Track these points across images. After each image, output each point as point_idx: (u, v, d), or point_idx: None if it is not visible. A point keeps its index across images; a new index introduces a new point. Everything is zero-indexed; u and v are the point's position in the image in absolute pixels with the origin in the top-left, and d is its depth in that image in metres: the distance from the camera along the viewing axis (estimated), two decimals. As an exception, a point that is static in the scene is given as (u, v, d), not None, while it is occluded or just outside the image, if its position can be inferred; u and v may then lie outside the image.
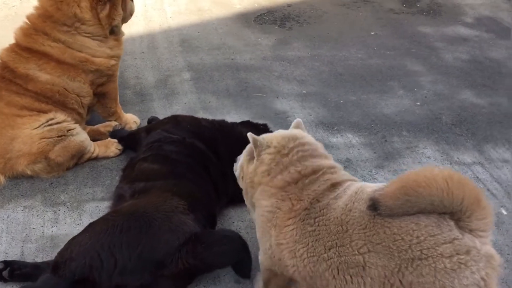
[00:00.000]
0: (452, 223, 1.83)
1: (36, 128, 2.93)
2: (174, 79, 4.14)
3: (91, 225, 2.39)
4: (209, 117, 3.63)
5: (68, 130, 3.01)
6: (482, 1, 5.99)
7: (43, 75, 2.98)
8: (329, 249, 1.95)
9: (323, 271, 1.97)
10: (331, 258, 1.94)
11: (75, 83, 3.10)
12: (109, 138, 3.31)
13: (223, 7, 5.42)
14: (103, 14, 3.05)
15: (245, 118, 3.67)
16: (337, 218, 1.97)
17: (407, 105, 4.01)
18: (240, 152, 2.91)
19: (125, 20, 3.26)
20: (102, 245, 2.25)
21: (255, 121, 3.55)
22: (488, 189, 3.21)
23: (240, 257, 2.43)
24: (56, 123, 2.99)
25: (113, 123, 3.40)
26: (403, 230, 1.83)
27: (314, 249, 1.99)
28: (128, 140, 3.23)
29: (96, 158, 3.23)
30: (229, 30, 4.96)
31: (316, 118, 3.78)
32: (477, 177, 3.31)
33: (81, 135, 3.09)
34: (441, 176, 1.79)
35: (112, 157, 3.26)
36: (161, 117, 3.53)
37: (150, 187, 2.53)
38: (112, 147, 3.26)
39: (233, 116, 3.71)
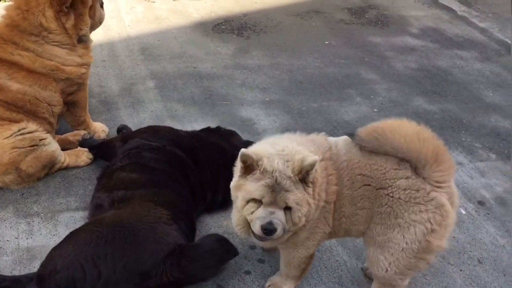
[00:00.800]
0: (408, 165, 2.11)
1: (8, 137, 2.83)
2: (138, 87, 4.08)
3: (73, 235, 2.33)
4: (177, 125, 3.62)
5: (40, 140, 2.92)
6: (425, 13, 6.22)
7: (14, 84, 2.88)
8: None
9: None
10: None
11: (46, 92, 3.01)
12: (79, 147, 3.23)
13: (180, 16, 5.39)
14: (69, 23, 2.96)
15: (212, 126, 3.67)
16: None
17: (365, 111, 4.12)
18: (217, 161, 2.92)
19: (93, 28, 3.18)
20: (86, 257, 2.19)
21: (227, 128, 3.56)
22: (447, 191, 3.33)
23: (225, 264, 2.42)
24: (28, 133, 2.90)
25: (82, 132, 3.32)
26: (377, 162, 2.13)
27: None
28: (99, 149, 3.16)
29: (67, 168, 3.14)
30: (188, 39, 4.94)
31: (281, 125, 3.82)
32: (436, 179, 3.43)
33: (52, 145, 3.00)
34: (407, 128, 2.12)
35: (83, 166, 3.19)
36: (129, 125, 3.49)
37: (130, 196, 2.48)
38: (83, 156, 3.18)
39: (200, 124, 3.69)
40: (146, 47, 4.69)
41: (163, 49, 4.70)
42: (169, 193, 2.58)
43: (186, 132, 3.12)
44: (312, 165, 1.98)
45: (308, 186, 2.03)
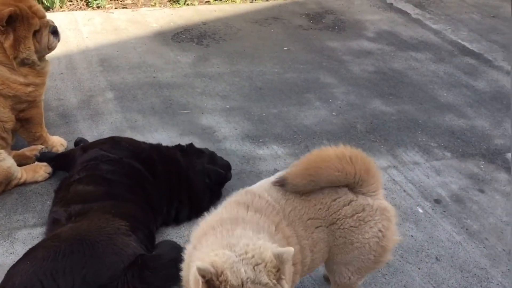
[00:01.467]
0: (345, 189, 2.10)
1: (-42, 154, 2.73)
2: (97, 99, 4.01)
3: (30, 252, 2.27)
4: (137, 136, 3.57)
5: None
6: (381, 17, 6.30)
7: (-42, 101, 2.78)
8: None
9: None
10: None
11: None
12: (36, 162, 3.15)
13: (139, 26, 5.33)
14: (7, 43, 2.82)
15: (173, 135, 3.65)
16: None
17: (324, 115, 4.14)
18: (175, 172, 2.88)
19: (40, 53, 3.01)
20: (44, 272, 2.14)
21: (183, 137, 3.53)
22: (404, 190, 3.38)
23: None
24: None
25: (39, 147, 3.23)
26: (317, 201, 2.07)
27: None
28: (58, 160, 3.08)
29: (24, 184, 3.05)
30: (148, 49, 4.89)
31: (242, 131, 3.81)
32: (394, 180, 3.47)
33: (7, 161, 2.91)
34: (335, 156, 2.05)
35: (41, 181, 3.11)
36: (87, 138, 3.43)
37: (87, 209, 2.43)
38: (41, 171, 3.10)
39: (161, 134, 3.65)
40: (105, 58, 4.62)
41: (122, 60, 4.63)
42: (127, 204, 2.53)
43: (147, 144, 3.07)
44: (288, 259, 1.64)
45: (282, 279, 1.65)
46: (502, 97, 4.74)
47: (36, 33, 2.92)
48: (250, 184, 3.18)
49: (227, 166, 3.10)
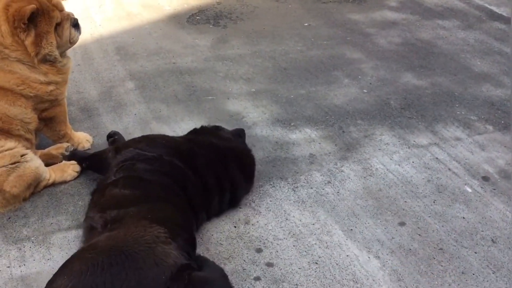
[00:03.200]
0: None
1: (-15, 158, 2.63)
2: (118, 90, 3.89)
3: (67, 264, 2.15)
4: (163, 126, 3.46)
5: (21, 156, 2.73)
6: (401, -15, 6.08)
7: (-20, 104, 2.67)
8: None
9: None
10: None
11: (16, 108, 2.78)
12: (64, 161, 3.04)
13: (152, 10, 5.17)
14: (28, 41, 2.69)
15: (199, 124, 3.50)
16: None
17: (355, 93, 3.99)
18: (217, 162, 2.78)
19: (62, 48, 2.89)
20: (84, 287, 2.03)
21: (209, 123, 3.41)
22: (449, 169, 3.24)
23: None
24: (7, 150, 2.70)
25: (65, 145, 3.13)
26: None
27: None
28: (91, 161, 2.97)
29: (53, 184, 2.96)
30: (163, 34, 4.74)
31: (271, 116, 3.68)
32: (437, 158, 3.34)
33: (35, 161, 2.81)
34: None
35: (70, 180, 3.00)
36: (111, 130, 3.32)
37: (123, 215, 2.31)
38: (69, 170, 3.00)
39: (187, 123, 3.53)
40: (121, 46, 4.48)
41: (138, 47, 4.50)
42: (166, 207, 2.41)
43: (181, 137, 2.96)
44: None
45: None
46: (539, 63, 4.55)
47: (57, 26, 2.79)
48: (286, 172, 3.09)
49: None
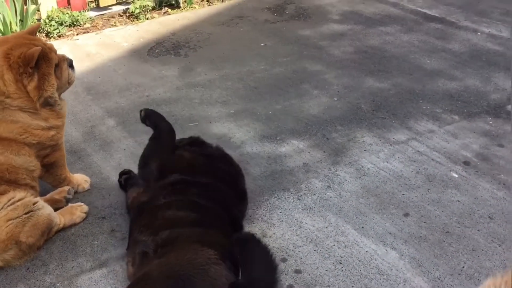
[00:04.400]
0: None
1: (-1, 211, 2.53)
2: (100, 128, 3.83)
3: (122, 299, 2.12)
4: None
5: (33, 204, 2.64)
6: (338, -1, 6.35)
7: (-13, 157, 2.58)
8: None
9: None
10: None
11: (21, 157, 2.71)
12: (70, 204, 2.97)
13: (110, 48, 5.13)
14: (31, 86, 2.62)
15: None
16: None
17: (327, 102, 4.12)
18: (233, 173, 2.82)
19: (61, 89, 2.85)
20: None
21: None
22: (432, 159, 3.41)
23: None
24: (19, 200, 2.61)
25: (66, 188, 3.05)
26: None
27: None
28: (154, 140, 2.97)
29: (63, 228, 2.87)
30: (129, 69, 4.71)
31: (256, 133, 3.74)
32: (418, 151, 3.50)
33: (46, 208, 2.73)
34: None
35: (79, 222, 2.93)
36: (107, 168, 3.30)
37: (174, 237, 2.30)
38: (77, 212, 2.93)
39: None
40: (90, 86, 4.41)
41: (108, 85, 4.45)
42: (215, 232, 2.42)
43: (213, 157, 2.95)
44: None
45: None
46: (480, 55, 4.88)
47: (56, 68, 2.75)
48: (287, 183, 3.15)
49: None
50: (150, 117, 3.07)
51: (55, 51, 2.79)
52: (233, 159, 3.02)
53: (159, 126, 3.04)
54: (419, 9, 6.00)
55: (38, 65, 2.63)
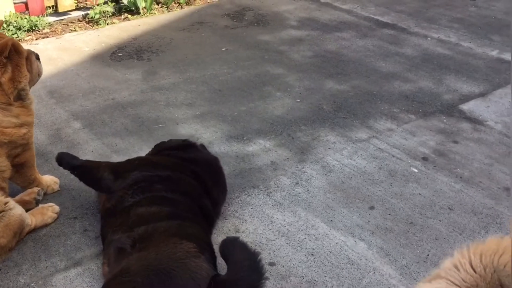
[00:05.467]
0: None
1: (-31, 212, 2.45)
2: (65, 131, 3.76)
3: (104, 293, 2.10)
4: (125, 158, 3.39)
5: (5, 204, 2.58)
6: (295, 6, 6.46)
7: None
8: None
9: None
10: None
11: None
12: (41, 205, 2.91)
13: (72, 53, 5.04)
14: (6, 77, 2.62)
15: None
16: None
17: (290, 103, 4.19)
18: (212, 174, 2.82)
19: (32, 81, 2.83)
20: None
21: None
22: (393, 155, 3.52)
23: None
24: None
25: (36, 189, 2.98)
26: None
27: None
28: (82, 172, 2.80)
29: (34, 229, 2.81)
30: (92, 73, 4.65)
31: (223, 133, 3.76)
32: (380, 148, 3.60)
33: (18, 208, 2.66)
34: None
35: (51, 223, 2.87)
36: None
37: (151, 231, 2.28)
38: (48, 212, 2.87)
39: (147, 152, 3.49)
40: (53, 90, 4.33)
41: (71, 88, 4.37)
42: (191, 224, 2.41)
43: (179, 157, 2.93)
44: None
45: None
46: (431, 58, 5.07)
47: (26, 61, 2.71)
48: (256, 181, 3.19)
49: None
50: (62, 160, 2.89)
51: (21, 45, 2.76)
52: (216, 164, 3.00)
53: (77, 165, 2.85)
54: (372, 16, 6.18)
55: (10, 56, 2.59)
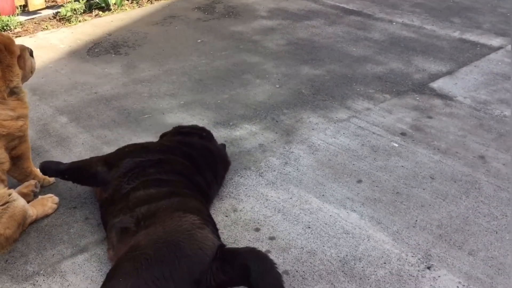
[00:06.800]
0: None
1: (-26, 202, 2.45)
2: (53, 125, 3.75)
3: (115, 270, 2.13)
4: (115, 148, 3.43)
5: (9, 195, 2.58)
6: (263, -3, 6.53)
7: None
8: None
9: None
10: None
11: None
12: (40, 196, 2.91)
13: (48, 50, 4.99)
14: None
15: (149, 140, 3.54)
16: None
17: (271, 89, 4.28)
18: (211, 158, 2.87)
19: (25, 78, 2.84)
20: (145, 282, 2.04)
21: (158, 138, 3.45)
22: (373, 133, 3.66)
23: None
24: None
25: (33, 182, 2.98)
26: None
27: None
28: (72, 173, 2.82)
29: (36, 220, 2.81)
30: (71, 69, 4.62)
31: (210, 120, 3.82)
32: (360, 127, 3.73)
33: (20, 200, 2.66)
34: None
35: (51, 213, 2.88)
36: (67, 162, 3.22)
37: (155, 209, 2.33)
38: (49, 203, 2.88)
39: (137, 141, 3.52)
40: (35, 87, 4.29)
41: (53, 85, 4.34)
42: (192, 200, 2.47)
43: (167, 140, 2.99)
44: None
45: None
46: (398, 42, 5.23)
47: (19, 59, 2.71)
48: (247, 163, 3.27)
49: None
50: (47, 168, 2.88)
51: (14, 42, 2.75)
52: (216, 149, 3.07)
53: (65, 168, 2.85)
54: (337, 4, 6.32)
55: (1, 58, 2.59)
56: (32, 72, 2.89)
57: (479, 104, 4.02)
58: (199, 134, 3.06)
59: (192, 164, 2.76)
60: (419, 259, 2.59)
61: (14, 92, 2.73)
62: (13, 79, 2.68)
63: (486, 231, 2.77)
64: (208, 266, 2.15)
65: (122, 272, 2.09)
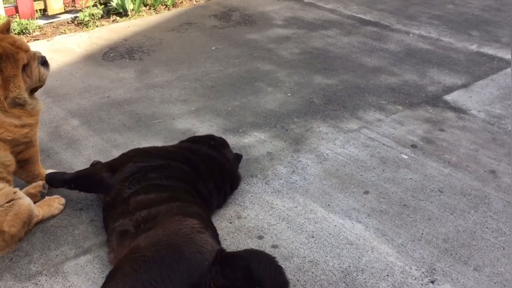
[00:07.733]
0: None
1: (-20, 199, 2.49)
2: (64, 128, 3.80)
3: (115, 272, 2.16)
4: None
5: (14, 193, 2.62)
6: (279, 6, 6.57)
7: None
8: None
9: None
10: None
11: None
12: (47, 197, 2.96)
13: (64, 54, 5.08)
14: None
15: (158, 145, 3.57)
16: None
17: (282, 98, 4.29)
18: (216, 167, 2.89)
19: (32, 88, 2.83)
20: (143, 284, 2.06)
21: (167, 143, 3.49)
22: (383, 144, 3.64)
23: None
24: None
25: (41, 182, 3.02)
26: None
27: None
28: (78, 182, 2.87)
29: (42, 221, 2.86)
30: (86, 73, 4.69)
31: (219, 127, 3.84)
32: (370, 137, 3.72)
33: (26, 198, 2.71)
34: None
35: (57, 214, 2.92)
36: (77, 164, 3.29)
37: (155, 213, 2.36)
38: (55, 204, 2.92)
39: (146, 146, 3.56)
40: (49, 90, 4.36)
41: (67, 88, 4.41)
42: (192, 205, 2.49)
43: (174, 146, 3.02)
44: None
45: None
46: (414, 53, 5.22)
47: (25, 68, 2.72)
48: (254, 170, 3.28)
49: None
50: (53, 179, 2.91)
51: (26, 50, 2.76)
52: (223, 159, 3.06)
53: (71, 178, 2.88)
54: (354, 14, 6.32)
55: (1, 67, 2.61)
56: (41, 82, 2.85)
57: (493, 118, 3.98)
58: (208, 143, 3.07)
59: (193, 171, 2.78)
60: (423, 272, 2.57)
61: (17, 103, 2.71)
62: (13, 91, 2.66)
63: (493, 246, 2.74)
64: (207, 270, 2.17)
65: (121, 273, 2.12)
